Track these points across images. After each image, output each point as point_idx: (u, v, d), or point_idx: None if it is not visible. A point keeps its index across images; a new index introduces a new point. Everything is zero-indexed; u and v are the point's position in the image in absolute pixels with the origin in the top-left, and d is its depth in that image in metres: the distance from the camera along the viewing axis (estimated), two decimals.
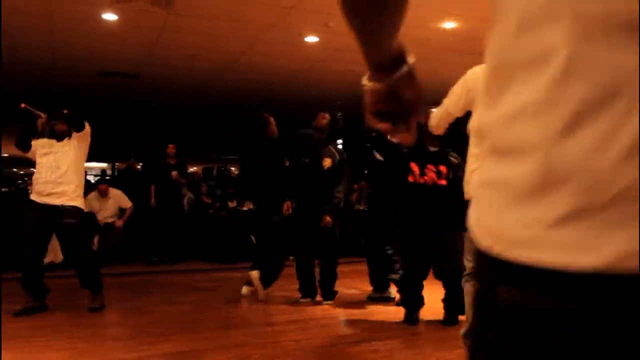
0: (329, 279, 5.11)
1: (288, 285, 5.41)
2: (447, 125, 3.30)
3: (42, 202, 4.48)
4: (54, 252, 6.13)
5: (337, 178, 5.08)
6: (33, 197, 4.57)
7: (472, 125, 2.70)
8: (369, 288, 5.32)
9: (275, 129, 5.36)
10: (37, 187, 4.55)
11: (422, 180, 4.30)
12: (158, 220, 7.80)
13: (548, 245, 0.44)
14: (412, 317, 4.32)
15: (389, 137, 4.66)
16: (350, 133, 7.94)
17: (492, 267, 0.50)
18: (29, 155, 4.73)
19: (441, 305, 4.31)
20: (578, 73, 0.43)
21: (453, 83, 3.12)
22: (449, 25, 6.32)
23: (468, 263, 2.97)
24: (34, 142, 4.70)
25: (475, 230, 0.53)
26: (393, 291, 5.13)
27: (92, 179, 11.20)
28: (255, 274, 5.14)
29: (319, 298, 5.09)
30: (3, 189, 10.85)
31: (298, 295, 5.13)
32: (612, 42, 0.42)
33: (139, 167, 10.47)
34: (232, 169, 20.58)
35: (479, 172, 0.54)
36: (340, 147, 5.64)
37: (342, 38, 6.58)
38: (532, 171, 0.45)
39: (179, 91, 10.49)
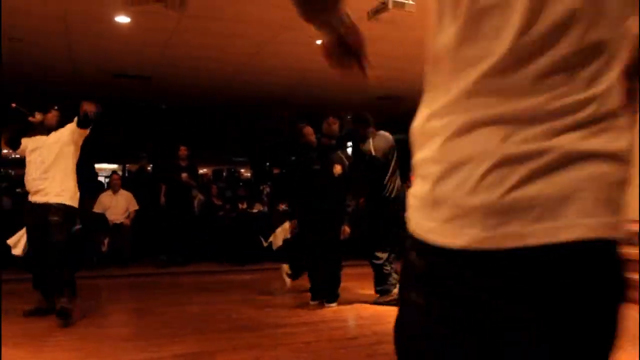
0: (332, 281, 5.10)
1: (298, 286, 5.40)
2: None
3: (33, 201, 4.44)
4: None
5: (347, 184, 5.07)
6: (29, 196, 4.54)
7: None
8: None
9: (310, 139, 5.25)
10: (27, 186, 4.53)
11: None
12: (168, 222, 7.82)
13: (441, 233, 0.79)
14: None
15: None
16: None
17: (412, 244, 0.85)
18: (19, 153, 4.70)
19: None
20: (448, 150, 0.79)
21: None
22: None
23: None
24: (24, 140, 4.63)
25: (408, 222, 0.88)
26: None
27: (102, 179, 11.24)
28: (285, 267, 5.42)
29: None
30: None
31: (308, 296, 5.12)
32: (474, 134, 0.77)
33: (149, 168, 10.52)
34: (242, 170, 20.62)
35: (412, 187, 0.89)
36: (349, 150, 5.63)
37: None
38: (429, 193, 0.81)
39: (190, 93, 10.52)
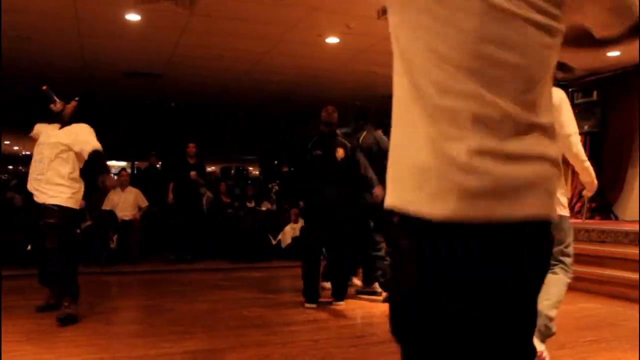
0: (339, 277, 5.09)
1: None
2: None
3: (34, 198, 4.29)
4: None
5: (352, 168, 5.05)
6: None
7: None
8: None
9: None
10: (28, 184, 4.37)
11: None
12: (177, 219, 7.86)
13: (425, 206, 0.99)
14: None
15: None
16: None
17: (400, 221, 1.05)
18: (32, 135, 4.58)
19: None
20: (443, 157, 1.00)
21: None
22: None
23: None
24: (38, 125, 4.54)
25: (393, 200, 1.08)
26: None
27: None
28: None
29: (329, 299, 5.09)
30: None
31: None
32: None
33: (158, 165, 10.57)
34: (250, 168, 20.65)
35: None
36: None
37: (363, 39, 6.59)
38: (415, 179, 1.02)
39: (199, 91, 10.56)
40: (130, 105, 11.48)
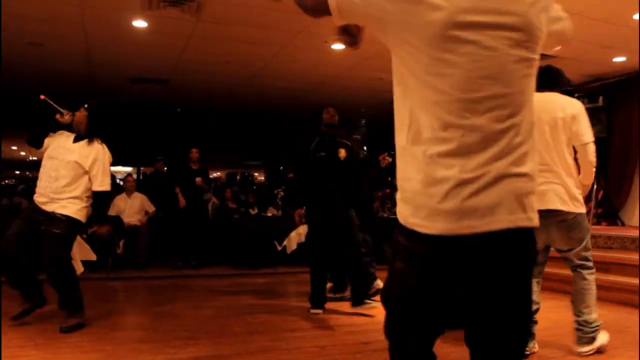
0: (357, 277, 4.94)
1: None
2: None
3: (37, 202, 4.17)
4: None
5: (354, 168, 5.07)
6: (36, 196, 4.24)
7: None
8: None
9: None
10: (37, 191, 4.22)
11: None
12: (182, 225, 7.87)
13: (423, 224, 1.26)
14: None
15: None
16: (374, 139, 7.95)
17: (401, 231, 1.32)
18: (41, 151, 4.34)
19: None
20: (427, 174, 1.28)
21: None
22: None
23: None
24: (47, 140, 4.32)
25: (399, 216, 1.35)
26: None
27: (119, 182, 11.35)
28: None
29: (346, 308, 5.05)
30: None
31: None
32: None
33: (165, 169, 10.58)
34: (256, 174, 20.66)
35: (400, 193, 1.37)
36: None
37: (369, 46, 6.53)
38: (413, 200, 1.30)
39: (205, 96, 10.59)
40: (136, 110, 11.52)
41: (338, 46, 6.91)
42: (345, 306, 5.10)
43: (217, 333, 4.16)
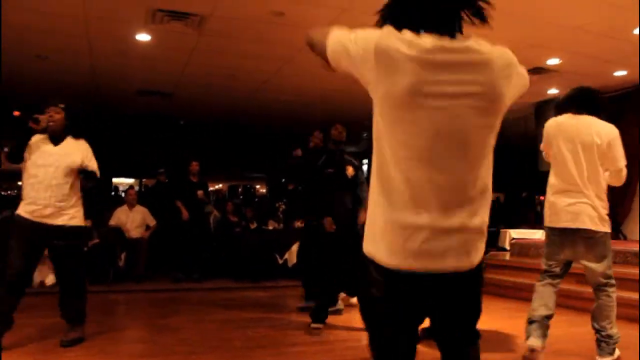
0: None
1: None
2: None
3: (37, 220, 3.95)
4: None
5: (355, 186, 5.09)
6: (27, 213, 4.04)
7: None
8: None
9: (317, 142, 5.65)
10: (32, 203, 4.00)
11: None
12: (184, 238, 7.85)
13: (384, 258, 1.47)
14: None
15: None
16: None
17: (371, 262, 1.50)
18: (22, 166, 4.06)
19: None
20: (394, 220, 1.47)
21: None
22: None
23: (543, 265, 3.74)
24: (27, 151, 4.00)
25: (367, 250, 1.53)
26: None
27: (122, 194, 11.37)
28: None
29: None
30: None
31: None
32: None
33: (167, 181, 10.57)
34: (258, 187, 20.65)
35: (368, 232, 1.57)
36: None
37: None
38: (382, 238, 1.49)
39: (208, 109, 10.64)
40: (139, 123, 11.57)
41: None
42: (345, 321, 5.09)
43: (217, 347, 4.14)
